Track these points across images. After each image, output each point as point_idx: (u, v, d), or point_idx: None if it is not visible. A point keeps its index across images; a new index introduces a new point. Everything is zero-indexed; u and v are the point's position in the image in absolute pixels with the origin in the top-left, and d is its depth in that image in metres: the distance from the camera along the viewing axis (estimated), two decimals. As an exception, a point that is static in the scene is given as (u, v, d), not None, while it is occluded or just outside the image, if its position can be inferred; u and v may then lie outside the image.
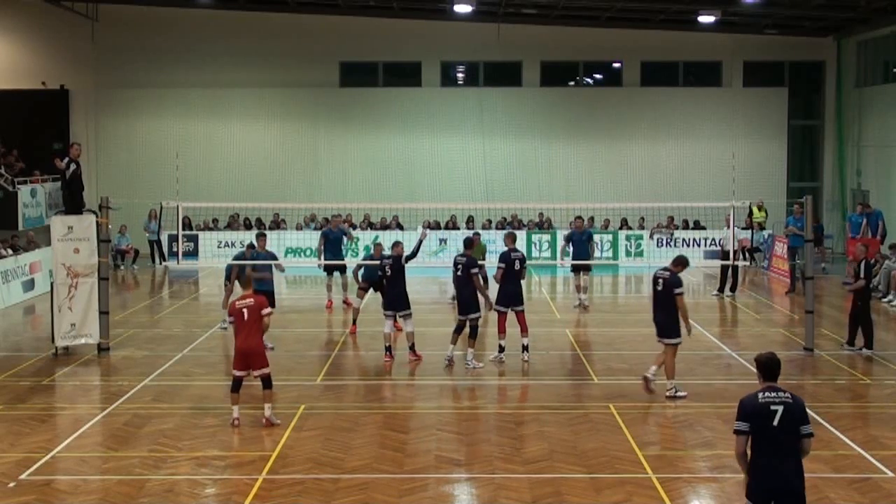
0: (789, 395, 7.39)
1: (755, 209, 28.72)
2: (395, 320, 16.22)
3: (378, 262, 18.06)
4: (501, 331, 15.86)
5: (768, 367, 7.52)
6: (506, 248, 16.10)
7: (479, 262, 16.25)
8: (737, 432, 7.38)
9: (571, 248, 21.13)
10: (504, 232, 17.66)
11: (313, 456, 11.20)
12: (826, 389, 14.38)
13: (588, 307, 21.28)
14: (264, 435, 12.02)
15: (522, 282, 16.29)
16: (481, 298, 15.62)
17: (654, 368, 13.77)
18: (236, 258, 18.82)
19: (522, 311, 15.94)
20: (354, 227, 31.03)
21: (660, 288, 13.77)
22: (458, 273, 15.78)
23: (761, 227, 29.05)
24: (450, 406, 13.44)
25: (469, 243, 16.56)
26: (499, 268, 15.77)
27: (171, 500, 9.92)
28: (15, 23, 32.87)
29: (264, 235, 18.56)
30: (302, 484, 10.30)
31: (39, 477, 10.55)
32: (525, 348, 15.96)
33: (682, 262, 13.98)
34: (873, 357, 16.41)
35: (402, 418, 12.81)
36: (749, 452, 7.36)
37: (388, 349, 16.04)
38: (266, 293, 17.07)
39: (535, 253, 29.53)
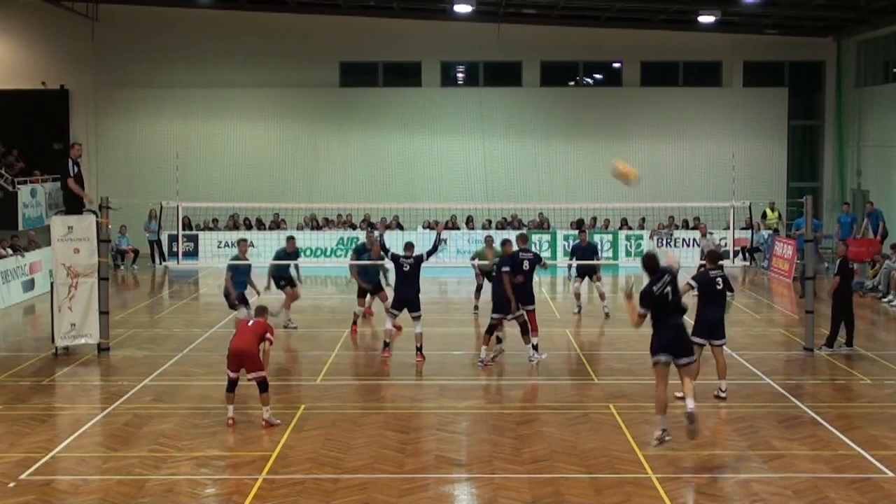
0: (668, 276, 10.88)
1: (768, 211, 28.63)
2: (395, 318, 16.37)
3: (379, 263, 18.18)
4: (502, 327, 15.95)
5: (648, 266, 11.01)
6: (516, 249, 15.99)
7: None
8: (640, 315, 10.92)
9: (575, 262, 20.46)
10: (517, 233, 17.75)
11: (313, 456, 11.20)
12: (826, 389, 14.39)
13: (609, 314, 20.24)
14: (264, 435, 12.02)
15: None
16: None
17: (724, 384, 13.58)
18: (278, 257, 19.07)
19: (532, 310, 15.90)
20: (355, 227, 31.08)
21: (720, 286, 13.43)
22: (492, 273, 16.09)
23: (770, 228, 28.84)
24: (450, 406, 13.43)
25: (503, 243, 16.50)
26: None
27: (171, 500, 9.92)
28: (15, 23, 32.87)
29: (244, 240, 18.98)
30: (302, 484, 10.30)
31: (39, 477, 10.55)
32: (535, 348, 15.90)
33: (719, 256, 14.10)
34: (873, 357, 16.41)
35: (402, 418, 12.80)
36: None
37: (388, 345, 16.14)
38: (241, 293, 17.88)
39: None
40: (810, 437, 11.91)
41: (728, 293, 13.95)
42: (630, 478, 10.44)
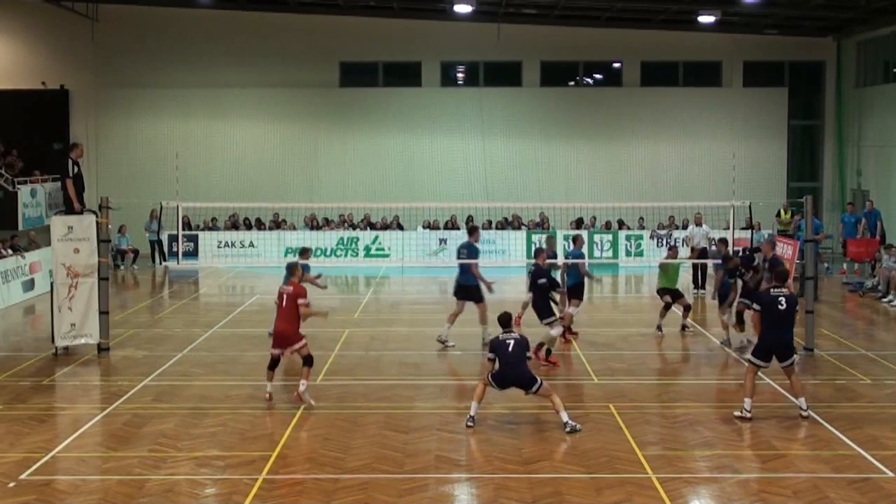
0: (518, 335, 12.28)
1: (782, 211, 28.56)
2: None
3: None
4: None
5: (503, 321, 12.45)
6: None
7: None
8: (489, 359, 12.35)
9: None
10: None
11: (313, 456, 11.20)
12: (826, 389, 14.37)
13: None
14: (264, 435, 12.02)
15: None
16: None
17: (803, 400, 12.90)
18: None
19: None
20: (355, 227, 31.08)
21: (783, 307, 12.58)
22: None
23: (784, 228, 28.64)
24: (450, 406, 13.44)
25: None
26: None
27: (171, 500, 9.91)
28: (15, 23, 32.88)
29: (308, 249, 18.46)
30: (302, 484, 10.30)
31: (39, 477, 10.54)
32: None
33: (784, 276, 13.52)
34: (873, 357, 16.40)
35: (402, 418, 12.79)
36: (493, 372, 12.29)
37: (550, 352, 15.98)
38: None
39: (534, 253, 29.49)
40: (810, 437, 11.91)
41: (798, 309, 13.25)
42: (630, 478, 10.44)
